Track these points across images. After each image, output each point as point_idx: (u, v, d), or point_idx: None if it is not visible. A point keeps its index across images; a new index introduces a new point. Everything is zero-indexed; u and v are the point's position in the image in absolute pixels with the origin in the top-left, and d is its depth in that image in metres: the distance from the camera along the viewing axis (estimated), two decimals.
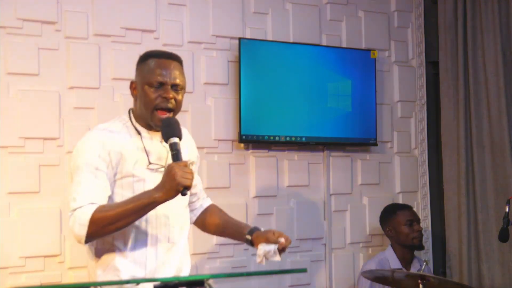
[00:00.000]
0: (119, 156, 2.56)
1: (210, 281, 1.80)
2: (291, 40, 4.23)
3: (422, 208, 4.68)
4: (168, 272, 2.61)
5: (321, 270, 4.28)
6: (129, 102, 3.68)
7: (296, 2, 4.29)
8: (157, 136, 2.63)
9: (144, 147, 2.60)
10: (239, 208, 4.00)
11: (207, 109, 3.97)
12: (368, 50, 4.44)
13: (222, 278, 3.50)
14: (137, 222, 2.54)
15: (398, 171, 4.63)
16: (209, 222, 2.92)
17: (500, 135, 4.34)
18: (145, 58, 2.67)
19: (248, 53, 4.00)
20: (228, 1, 4.07)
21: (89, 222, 2.44)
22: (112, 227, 2.47)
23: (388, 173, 4.60)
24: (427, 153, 4.73)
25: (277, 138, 4.09)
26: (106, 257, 2.59)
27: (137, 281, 2.47)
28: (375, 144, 4.44)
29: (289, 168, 4.21)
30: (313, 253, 4.26)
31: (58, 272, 3.49)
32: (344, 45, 4.44)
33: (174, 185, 2.39)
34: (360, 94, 4.36)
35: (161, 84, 2.60)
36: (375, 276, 3.71)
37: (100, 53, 3.69)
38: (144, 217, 2.54)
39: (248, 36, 4.09)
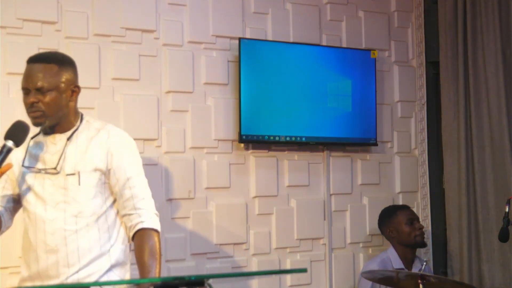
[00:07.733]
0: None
1: (210, 281, 1.80)
2: (291, 40, 4.23)
3: (422, 208, 4.68)
4: (53, 276, 2.60)
5: (321, 270, 4.28)
6: (130, 102, 3.72)
7: (296, 2, 4.29)
8: (51, 138, 2.70)
9: (28, 147, 2.68)
10: (239, 208, 4.00)
11: (207, 109, 3.97)
12: (368, 50, 4.44)
13: (222, 278, 3.49)
14: (26, 225, 2.69)
15: (398, 171, 4.63)
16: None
17: (500, 135, 4.34)
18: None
19: (248, 53, 4.00)
20: (228, 1, 4.07)
21: None
22: None
23: (388, 173, 4.60)
24: (427, 153, 4.73)
25: (277, 138, 4.09)
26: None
27: (137, 281, 2.47)
28: (375, 144, 4.44)
29: (289, 168, 4.20)
30: (313, 253, 4.26)
31: None
32: (344, 45, 4.44)
33: None
34: (360, 94, 4.36)
35: (27, 90, 2.63)
36: (375, 277, 3.71)
37: (100, 53, 3.68)
38: (30, 221, 2.66)
39: (248, 36, 4.09)
